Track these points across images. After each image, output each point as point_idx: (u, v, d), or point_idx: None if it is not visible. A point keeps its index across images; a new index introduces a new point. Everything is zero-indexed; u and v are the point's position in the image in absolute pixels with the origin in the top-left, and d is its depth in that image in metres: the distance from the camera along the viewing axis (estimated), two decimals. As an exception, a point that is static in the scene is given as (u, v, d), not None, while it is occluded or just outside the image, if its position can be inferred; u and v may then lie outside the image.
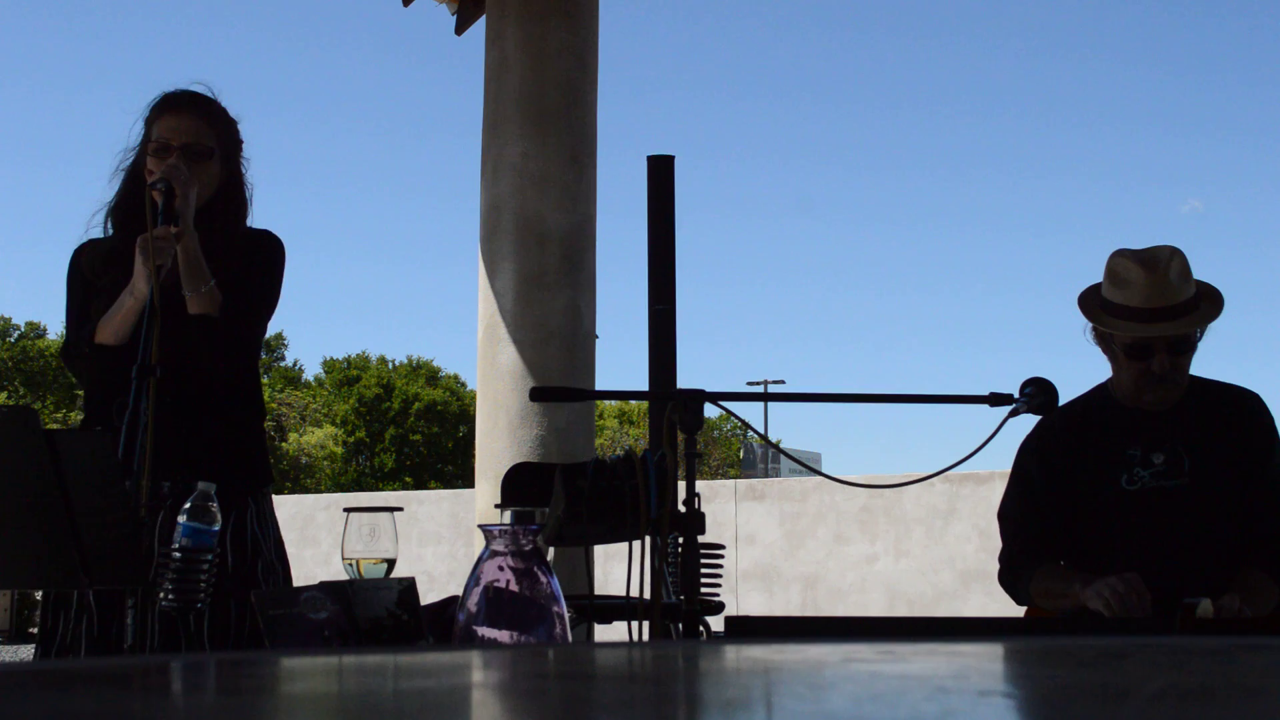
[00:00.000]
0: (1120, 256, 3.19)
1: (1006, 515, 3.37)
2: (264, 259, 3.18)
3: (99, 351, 2.97)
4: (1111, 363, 3.27)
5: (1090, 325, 3.23)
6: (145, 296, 2.75)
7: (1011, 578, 3.30)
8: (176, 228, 2.87)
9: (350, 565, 2.32)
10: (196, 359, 3.01)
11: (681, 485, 2.76)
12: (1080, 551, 3.24)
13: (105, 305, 3.00)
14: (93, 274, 3.09)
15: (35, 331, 42.81)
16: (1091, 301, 3.24)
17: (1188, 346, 3.18)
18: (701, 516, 2.71)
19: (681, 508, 2.73)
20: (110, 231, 3.16)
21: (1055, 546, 3.26)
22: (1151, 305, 3.12)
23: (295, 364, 50.04)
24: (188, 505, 2.37)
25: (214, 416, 3.09)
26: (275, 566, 3.14)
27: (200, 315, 2.95)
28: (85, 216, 3.17)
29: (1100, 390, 3.33)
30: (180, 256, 2.91)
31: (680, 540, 2.72)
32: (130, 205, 3.10)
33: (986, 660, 1.22)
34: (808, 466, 3.69)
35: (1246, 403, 3.28)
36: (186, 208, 2.90)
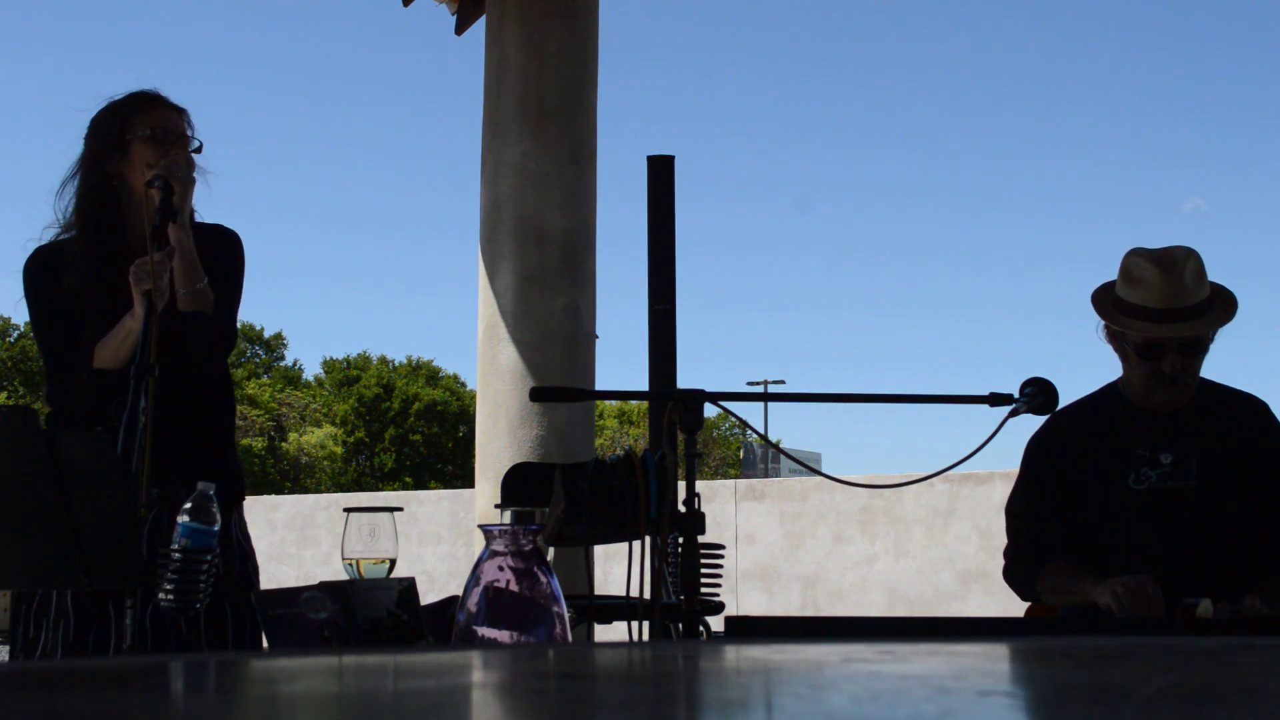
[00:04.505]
0: (1136, 255, 3.19)
1: (1013, 511, 3.36)
2: (233, 257, 3.15)
3: (97, 376, 2.92)
4: (1122, 361, 3.26)
5: (1102, 323, 3.23)
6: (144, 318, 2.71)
7: (1017, 573, 3.29)
8: (169, 247, 2.83)
9: (350, 565, 2.32)
10: (191, 358, 2.98)
11: (681, 485, 2.76)
12: (1086, 549, 3.24)
13: (96, 326, 2.94)
14: (74, 297, 3.00)
15: (35, 331, 42.73)
16: (1105, 299, 3.24)
17: (1199, 348, 3.18)
18: (701, 516, 2.71)
19: (681, 508, 2.73)
20: (73, 228, 3.06)
21: (1062, 543, 3.26)
22: (1165, 306, 3.12)
23: (295, 364, 50.09)
24: (188, 505, 2.36)
25: (205, 420, 3.07)
26: (256, 572, 3.14)
27: (193, 313, 2.92)
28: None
29: (1110, 389, 3.33)
30: (176, 254, 2.88)
31: (680, 540, 2.72)
32: (97, 202, 3.03)
33: (986, 660, 1.22)
34: (808, 466, 3.69)
35: (1256, 409, 3.30)
36: (185, 204, 2.87)
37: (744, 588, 10.39)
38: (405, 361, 47.38)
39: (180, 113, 3.09)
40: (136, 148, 3.00)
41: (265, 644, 2.43)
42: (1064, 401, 3.02)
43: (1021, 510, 3.33)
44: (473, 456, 5.63)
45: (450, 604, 2.28)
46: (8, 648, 3.10)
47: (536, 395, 3.71)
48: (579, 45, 5.47)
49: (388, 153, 69.49)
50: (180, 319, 2.90)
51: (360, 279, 69.49)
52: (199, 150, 3.04)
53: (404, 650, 1.83)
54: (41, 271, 3.07)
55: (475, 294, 5.50)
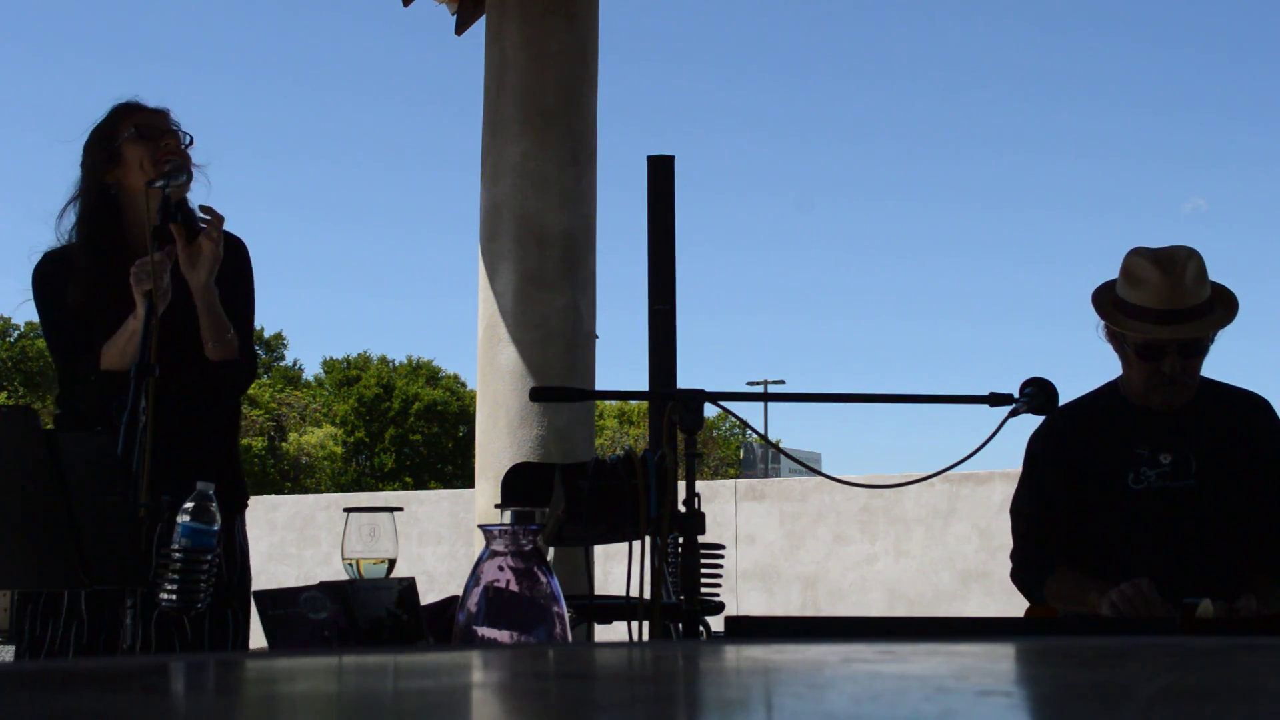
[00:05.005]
0: (1137, 255, 3.19)
1: (1019, 511, 3.35)
2: (243, 270, 3.16)
3: (105, 377, 2.94)
4: (1122, 361, 3.26)
5: (1102, 323, 3.23)
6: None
7: (1025, 577, 3.28)
8: (169, 246, 2.84)
9: (350, 565, 2.32)
10: (219, 400, 3.05)
11: (681, 485, 2.76)
12: (1086, 548, 3.23)
13: (103, 329, 2.96)
14: (80, 307, 3.02)
15: (35, 331, 42.75)
16: (1105, 299, 3.24)
17: (1199, 349, 3.17)
18: (701, 516, 2.70)
19: (681, 508, 2.73)
20: (74, 237, 3.09)
21: (1068, 545, 3.25)
22: (1166, 307, 3.11)
23: (295, 364, 50.08)
24: (188, 505, 2.37)
25: (209, 426, 3.08)
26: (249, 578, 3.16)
27: (221, 361, 2.97)
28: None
29: (1110, 388, 3.32)
30: (201, 308, 2.92)
31: (680, 540, 2.72)
32: (97, 209, 3.05)
33: (986, 660, 1.21)
34: (808, 466, 3.69)
35: (1257, 407, 3.29)
36: (213, 268, 2.89)
37: (744, 588, 10.39)
38: (405, 361, 47.39)
39: (163, 113, 3.10)
40: (126, 149, 3.02)
41: (265, 644, 2.42)
42: (1063, 401, 3.02)
43: (1027, 510, 3.32)
44: (473, 456, 5.63)
45: (450, 604, 2.28)
46: (12, 647, 3.10)
47: (536, 395, 3.71)
48: (579, 45, 5.47)
49: (388, 153, 69.52)
50: (209, 368, 2.96)
51: (360, 279, 69.51)
52: (190, 144, 3.05)
53: (404, 650, 1.82)
54: (49, 277, 3.09)
55: (475, 294, 5.51)
